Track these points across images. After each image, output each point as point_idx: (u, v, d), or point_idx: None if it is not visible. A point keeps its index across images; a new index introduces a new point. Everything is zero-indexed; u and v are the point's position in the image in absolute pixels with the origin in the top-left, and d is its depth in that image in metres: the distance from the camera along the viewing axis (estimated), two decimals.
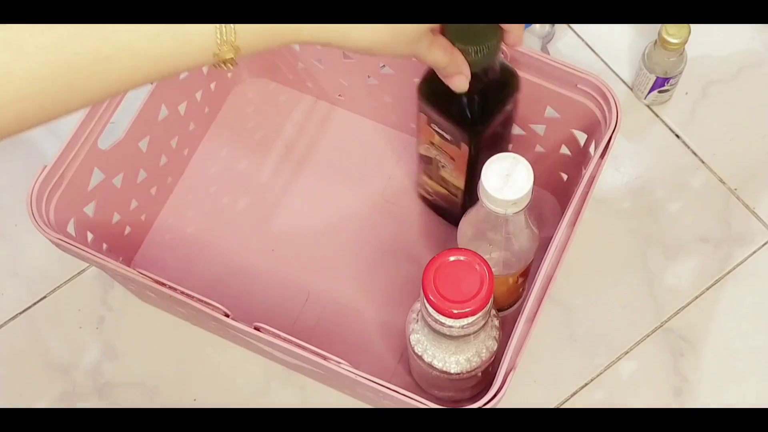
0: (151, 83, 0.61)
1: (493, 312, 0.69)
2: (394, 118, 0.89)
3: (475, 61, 0.64)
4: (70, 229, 0.75)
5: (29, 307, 0.85)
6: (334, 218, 0.87)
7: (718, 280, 0.84)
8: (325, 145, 0.90)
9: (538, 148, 0.82)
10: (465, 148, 0.71)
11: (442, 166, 0.76)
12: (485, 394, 0.65)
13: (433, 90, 0.69)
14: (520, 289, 0.79)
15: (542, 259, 0.67)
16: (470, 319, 0.62)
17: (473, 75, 0.65)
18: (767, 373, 0.82)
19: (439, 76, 0.65)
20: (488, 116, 0.69)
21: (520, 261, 0.73)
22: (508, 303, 0.80)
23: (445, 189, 0.80)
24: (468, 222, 0.71)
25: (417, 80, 0.81)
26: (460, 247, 0.72)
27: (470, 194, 0.75)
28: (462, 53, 0.63)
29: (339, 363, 0.66)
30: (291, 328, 0.83)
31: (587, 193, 0.70)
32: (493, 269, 0.62)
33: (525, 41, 0.66)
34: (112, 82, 0.52)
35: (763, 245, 0.85)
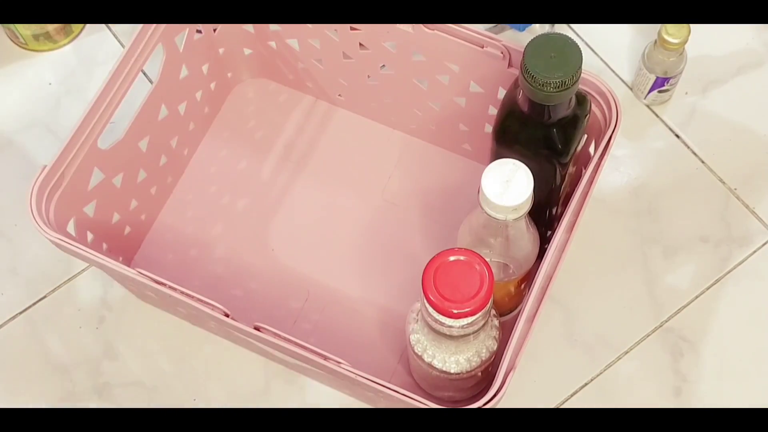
0: None
1: (493, 312, 0.69)
2: (394, 118, 0.88)
3: (563, 92, 0.64)
4: (70, 229, 0.75)
5: (29, 307, 0.85)
6: (334, 218, 0.87)
7: (718, 280, 0.84)
8: (325, 145, 0.90)
9: None
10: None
11: None
12: (485, 394, 0.65)
13: (513, 133, 0.69)
14: (522, 294, 0.79)
15: (542, 259, 0.67)
16: (470, 319, 0.62)
17: (559, 107, 0.66)
18: (767, 373, 0.82)
19: None
20: (573, 143, 0.69)
21: (521, 267, 0.72)
22: (509, 308, 0.80)
23: None
24: (468, 228, 0.71)
25: (417, 81, 0.81)
26: None
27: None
28: (547, 86, 0.63)
29: (339, 363, 0.66)
30: (291, 328, 0.83)
31: (587, 193, 0.70)
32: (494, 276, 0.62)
33: (525, 41, 0.66)
34: None
35: (763, 245, 0.85)
